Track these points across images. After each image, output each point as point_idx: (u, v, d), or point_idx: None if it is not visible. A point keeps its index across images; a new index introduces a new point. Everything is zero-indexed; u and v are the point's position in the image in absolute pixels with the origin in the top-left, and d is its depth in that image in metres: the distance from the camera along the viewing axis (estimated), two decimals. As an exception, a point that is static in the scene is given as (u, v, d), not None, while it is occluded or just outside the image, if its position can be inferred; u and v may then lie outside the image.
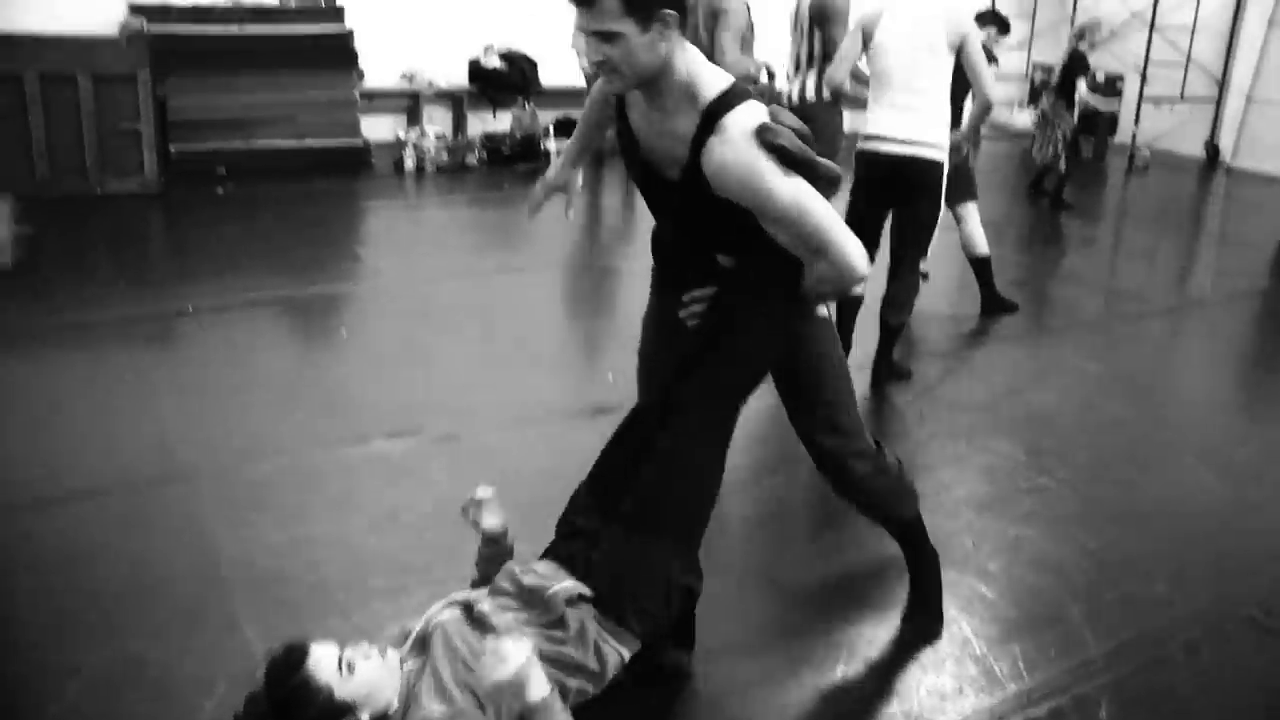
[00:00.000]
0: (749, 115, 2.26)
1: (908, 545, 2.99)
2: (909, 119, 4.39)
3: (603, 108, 2.75)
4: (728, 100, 2.28)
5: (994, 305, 5.98)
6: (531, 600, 2.33)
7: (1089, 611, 3.06)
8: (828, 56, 5.34)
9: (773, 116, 2.29)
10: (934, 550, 3.00)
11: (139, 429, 4.05)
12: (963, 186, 5.65)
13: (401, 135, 9.68)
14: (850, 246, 2.30)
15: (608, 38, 2.21)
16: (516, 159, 9.79)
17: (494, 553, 2.55)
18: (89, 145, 7.91)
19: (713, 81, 2.31)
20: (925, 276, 5.69)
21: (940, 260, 6.30)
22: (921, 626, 2.96)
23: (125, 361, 4.79)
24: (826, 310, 2.65)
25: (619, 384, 4.67)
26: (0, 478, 3.66)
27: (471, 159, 9.60)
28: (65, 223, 7.09)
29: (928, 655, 2.86)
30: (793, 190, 2.25)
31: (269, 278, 6.05)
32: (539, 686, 2.08)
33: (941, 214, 4.49)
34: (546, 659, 2.23)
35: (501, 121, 10.27)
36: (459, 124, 10.20)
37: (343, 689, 2.15)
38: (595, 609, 2.30)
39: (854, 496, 2.83)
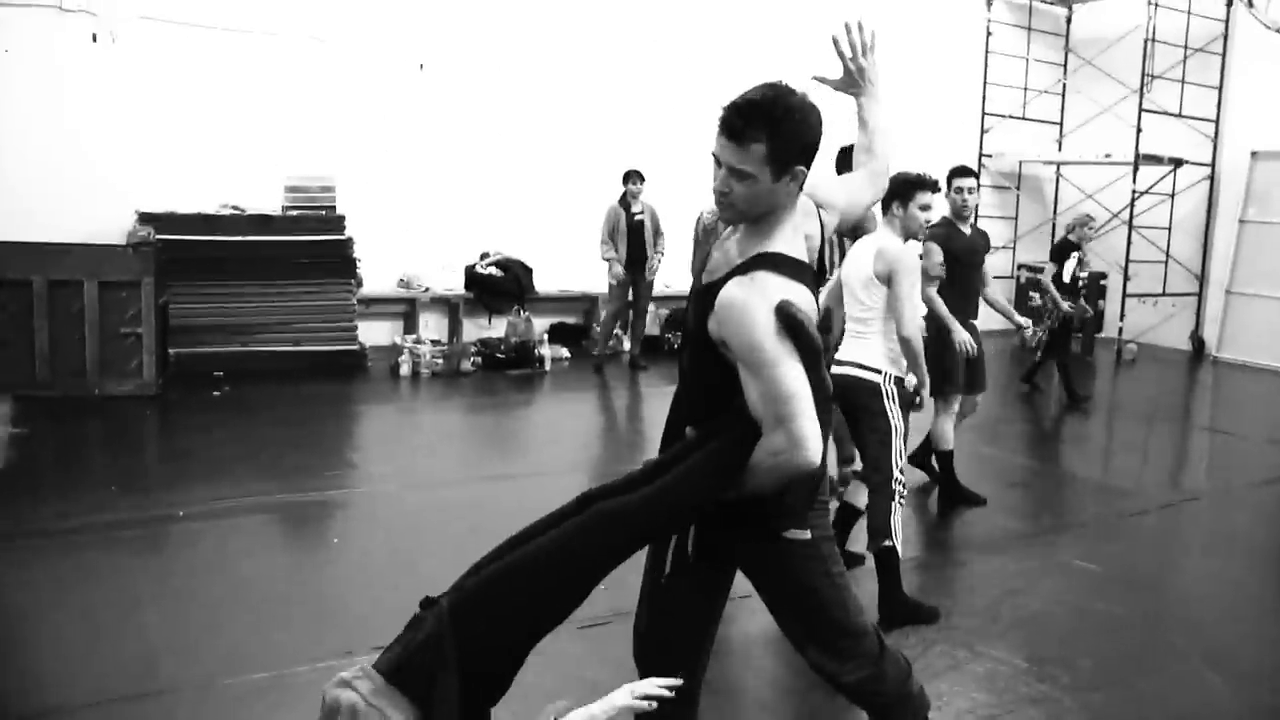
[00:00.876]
0: (782, 284, 2.36)
1: None
2: (853, 344, 4.63)
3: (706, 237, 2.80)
4: (776, 262, 2.40)
5: (958, 497, 6.11)
6: None
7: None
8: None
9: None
10: None
11: (120, 640, 3.97)
12: (943, 377, 5.80)
13: (398, 340, 9.86)
14: (810, 428, 2.34)
15: (741, 176, 2.36)
16: (511, 364, 9.92)
17: None
18: (90, 348, 8.05)
19: (784, 245, 2.44)
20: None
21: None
22: None
23: (111, 568, 4.73)
24: (809, 534, 2.60)
25: (609, 596, 4.61)
26: None
27: (466, 364, 9.73)
28: (61, 424, 7.13)
29: None
30: (779, 352, 2.32)
31: (261, 483, 6.04)
32: None
33: (897, 431, 4.49)
34: None
35: (497, 327, 10.47)
36: (454, 330, 10.41)
37: None
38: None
39: (852, 702, 2.78)
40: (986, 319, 6.39)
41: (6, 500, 5.54)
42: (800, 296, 2.38)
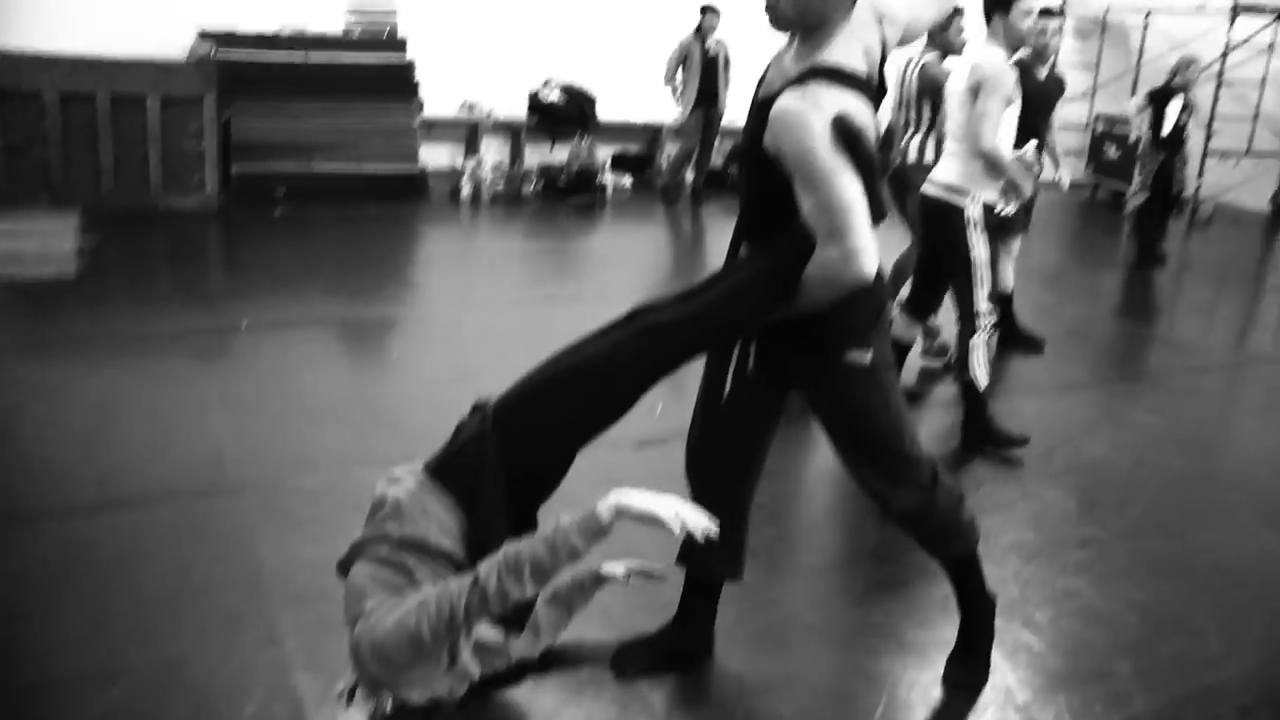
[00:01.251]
0: (838, 96, 2.29)
1: (959, 586, 2.90)
2: (944, 163, 4.57)
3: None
4: (833, 74, 2.31)
5: (1018, 340, 6.09)
6: None
7: (1137, 667, 2.99)
8: (933, 125, 5.62)
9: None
10: (990, 597, 2.91)
11: (191, 440, 4.10)
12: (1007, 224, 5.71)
13: (459, 164, 9.80)
14: (865, 241, 2.30)
15: None
16: (572, 192, 9.87)
17: None
18: (153, 163, 8.09)
19: (841, 56, 2.35)
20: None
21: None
22: (967, 673, 2.89)
23: (180, 373, 4.85)
24: (869, 357, 2.57)
25: (666, 417, 4.66)
26: (55, 481, 3.72)
27: (527, 190, 9.69)
28: (127, 236, 7.22)
29: (969, 703, 2.80)
30: (834, 163, 2.27)
31: (322, 298, 6.12)
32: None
33: (978, 262, 4.43)
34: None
35: (559, 154, 10.36)
36: (516, 155, 10.31)
37: None
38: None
39: (899, 527, 2.79)
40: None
41: (78, 307, 5.67)
42: (857, 109, 2.31)
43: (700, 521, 2.28)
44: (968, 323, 4.46)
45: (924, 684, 2.87)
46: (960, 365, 4.51)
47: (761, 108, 2.38)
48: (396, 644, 2.24)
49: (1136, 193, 8.78)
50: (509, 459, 2.49)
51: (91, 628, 2.88)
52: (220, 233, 7.83)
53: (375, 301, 6.21)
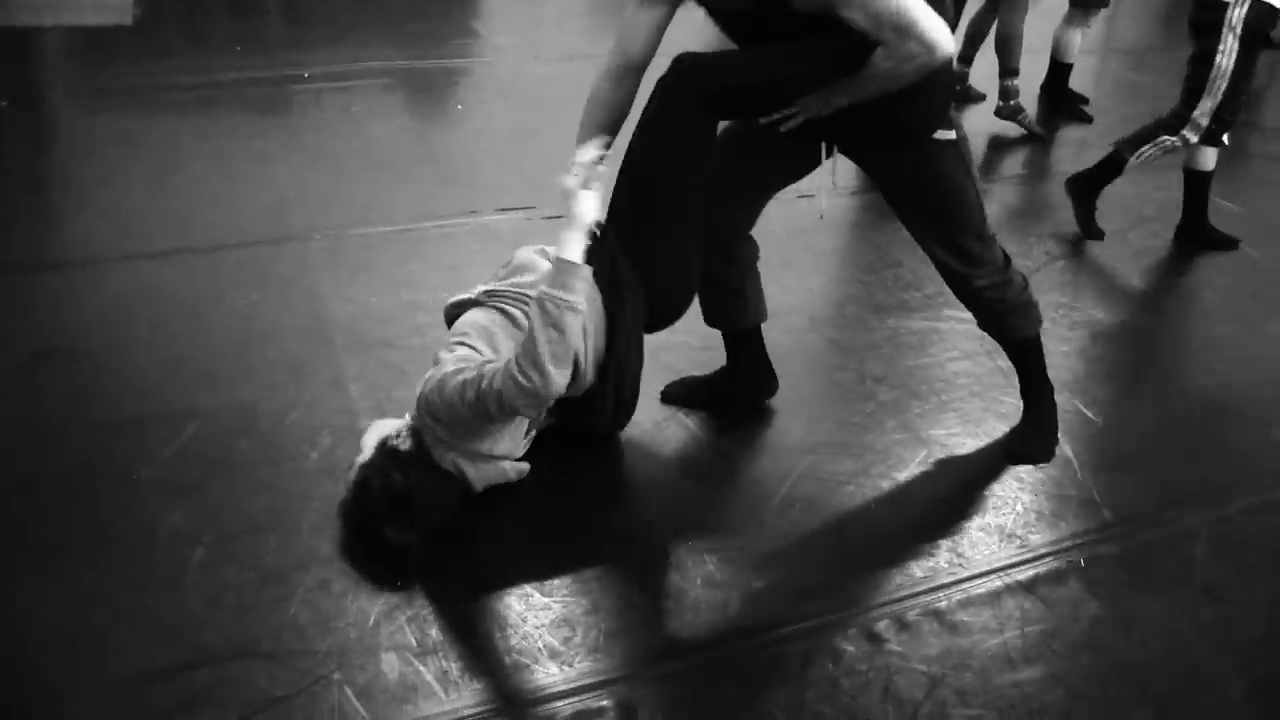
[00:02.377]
0: None
1: (1022, 367, 2.90)
2: None
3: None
4: None
5: (1066, 109, 5.86)
6: None
7: (1197, 450, 2.96)
8: None
9: None
10: (1049, 382, 2.90)
11: (255, 190, 4.09)
12: None
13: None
14: (932, 22, 2.16)
15: None
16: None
17: None
18: (212, -96, 7.77)
19: None
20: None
21: (1078, 86, 5.98)
22: (1031, 449, 2.89)
23: (242, 124, 4.80)
24: (955, 134, 2.50)
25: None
26: (123, 228, 3.75)
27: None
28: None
29: (1027, 473, 2.80)
30: None
31: (384, 49, 5.97)
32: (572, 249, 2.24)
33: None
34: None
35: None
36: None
37: (368, 445, 2.39)
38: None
39: (971, 308, 2.76)
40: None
41: (139, 57, 5.59)
42: None
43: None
44: (1173, 120, 4.22)
45: (979, 453, 2.88)
46: (1131, 144, 4.30)
47: None
48: (446, 405, 2.27)
49: None
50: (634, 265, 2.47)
51: (162, 371, 2.95)
52: (279, -21, 7.61)
53: (438, 50, 6.05)
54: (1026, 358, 2.88)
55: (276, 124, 4.88)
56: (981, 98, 5.84)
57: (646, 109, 2.45)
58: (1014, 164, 5.31)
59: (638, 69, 2.50)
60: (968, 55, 5.82)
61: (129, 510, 2.44)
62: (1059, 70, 5.85)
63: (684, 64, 2.38)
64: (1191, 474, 2.86)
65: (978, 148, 5.44)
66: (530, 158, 4.49)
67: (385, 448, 2.33)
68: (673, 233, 2.52)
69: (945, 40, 2.19)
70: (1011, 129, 5.54)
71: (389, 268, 3.56)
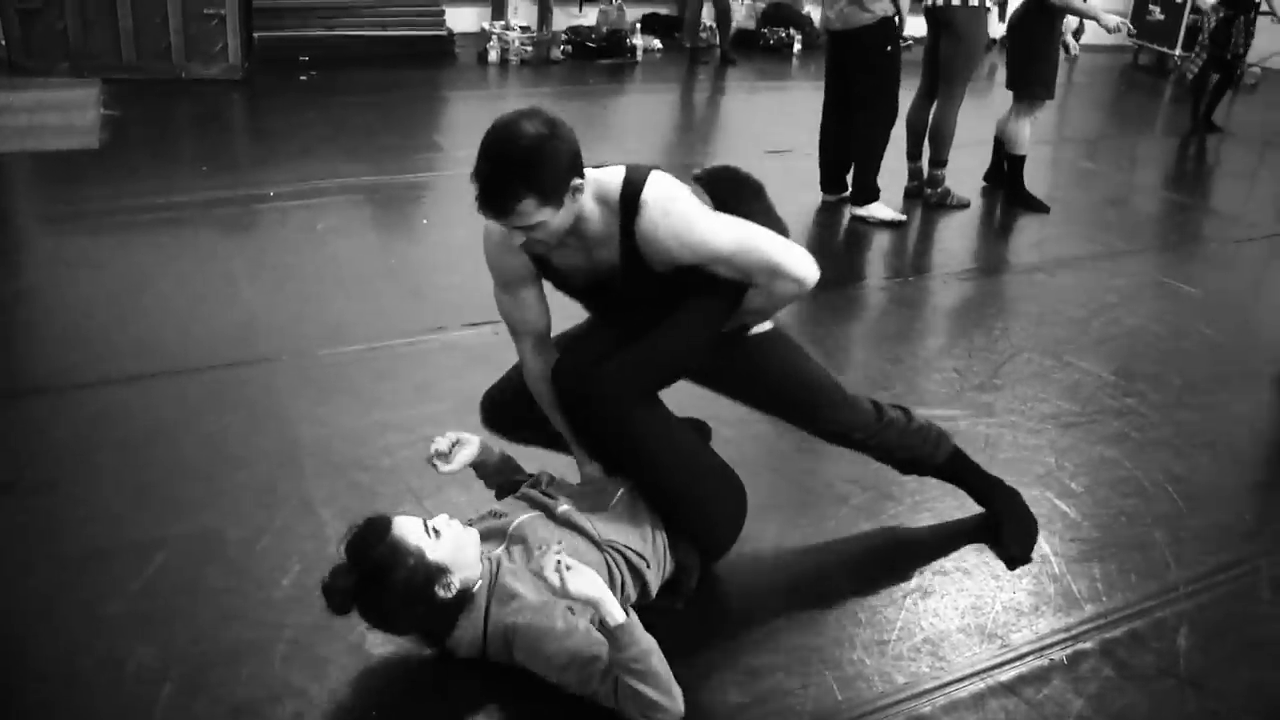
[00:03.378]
0: (659, 183, 2.32)
1: (958, 482, 2.97)
2: None
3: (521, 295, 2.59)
4: (632, 182, 2.31)
5: (1023, 202, 6.04)
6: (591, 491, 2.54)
7: (1173, 537, 2.98)
8: None
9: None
10: (992, 477, 2.96)
11: (221, 311, 4.09)
12: (1035, 78, 5.80)
13: (486, 26, 9.57)
14: (796, 255, 2.35)
15: (530, 229, 2.24)
16: (602, 54, 9.64)
17: (493, 468, 2.68)
18: (174, 30, 7.89)
19: (610, 178, 2.34)
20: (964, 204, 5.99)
21: (1033, 175, 6.12)
22: (1020, 540, 2.89)
23: (208, 244, 4.82)
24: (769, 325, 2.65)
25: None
26: (90, 352, 3.72)
27: (556, 53, 9.47)
28: (150, 106, 7.12)
29: (1004, 570, 2.80)
30: (726, 227, 2.32)
31: (350, 165, 6.04)
32: (616, 614, 2.09)
33: None
34: (620, 555, 2.35)
35: (588, 16, 10.09)
36: (544, 17, 10.03)
37: (433, 551, 2.18)
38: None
39: (876, 458, 2.87)
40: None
41: (104, 178, 5.62)
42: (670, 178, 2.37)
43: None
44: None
45: (958, 552, 2.87)
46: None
47: (627, 259, 2.37)
48: (531, 651, 2.20)
49: (1196, 55, 8.43)
50: None
51: (130, 499, 2.91)
52: (244, 100, 7.70)
53: (403, 166, 6.12)
54: (956, 475, 2.95)
55: (242, 243, 4.90)
56: (966, 204, 5.97)
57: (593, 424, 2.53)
58: (970, 257, 5.40)
59: (546, 334, 2.62)
60: (915, 152, 5.98)
61: (95, 646, 2.38)
62: (1014, 163, 5.99)
63: (593, 381, 2.40)
64: (1169, 562, 2.86)
65: (939, 242, 5.55)
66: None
67: (432, 576, 2.20)
68: (692, 482, 2.56)
69: (812, 270, 2.38)
70: (970, 224, 5.67)
71: (357, 387, 3.55)
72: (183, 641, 2.40)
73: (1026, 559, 2.84)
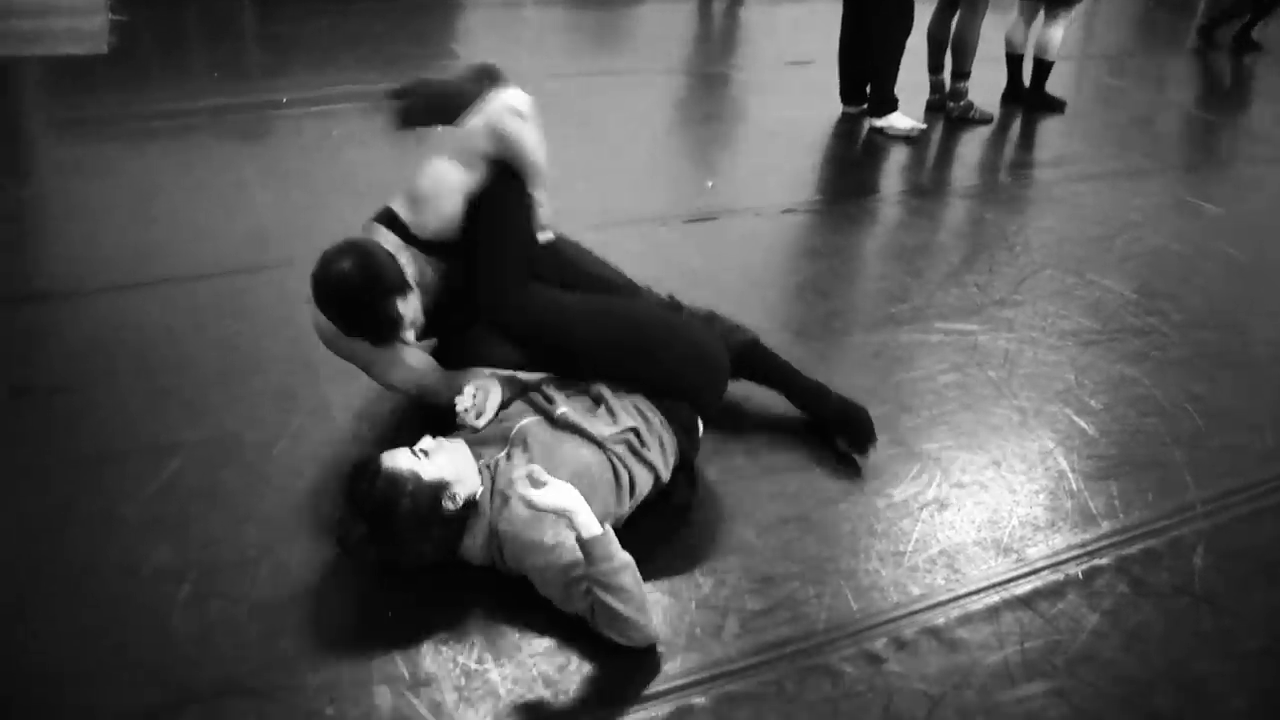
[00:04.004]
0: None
1: (764, 378, 2.99)
2: None
3: None
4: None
5: (1044, 104, 6.07)
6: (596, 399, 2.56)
7: (1191, 458, 2.96)
8: None
9: None
10: (802, 377, 2.95)
11: (234, 217, 4.05)
12: None
13: (501, -69, 9.36)
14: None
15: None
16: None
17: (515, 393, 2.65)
18: (184, -70, 7.75)
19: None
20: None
21: (1056, 90, 6.01)
22: (858, 435, 2.85)
23: (220, 151, 4.76)
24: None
25: (718, 191, 4.57)
26: (101, 259, 3.70)
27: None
28: (159, 11, 6.99)
29: (1021, 485, 2.79)
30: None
31: (363, 73, 5.94)
32: (590, 526, 2.10)
33: None
34: (623, 446, 2.42)
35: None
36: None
37: (428, 471, 2.17)
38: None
39: None
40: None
41: (114, 84, 5.55)
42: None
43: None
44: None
45: (976, 466, 2.86)
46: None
47: None
48: (519, 557, 2.23)
49: None
50: None
51: (145, 404, 2.91)
52: (256, 6, 7.56)
53: (417, 73, 6.01)
54: (756, 365, 2.92)
55: (255, 151, 4.84)
56: (990, 119, 5.89)
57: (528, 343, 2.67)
58: (990, 172, 5.31)
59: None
60: (937, 64, 5.87)
61: (112, 549, 2.39)
62: (1043, 68, 5.92)
63: (493, 311, 2.62)
64: (1187, 481, 2.84)
65: (961, 157, 5.45)
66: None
67: (435, 494, 2.22)
68: (636, 334, 2.63)
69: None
70: (992, 139, 5.58)
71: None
72: (199, 543, 2.41)
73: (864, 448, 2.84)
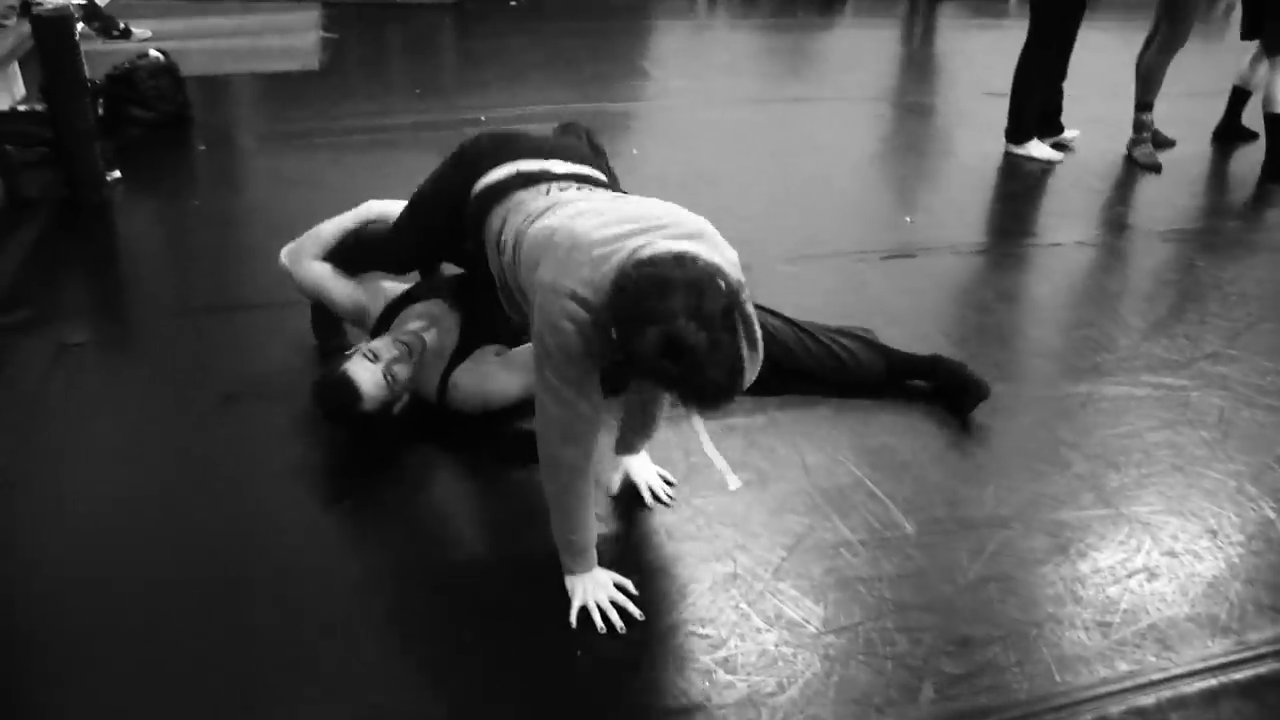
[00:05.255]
0: None
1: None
2: None
3: None
4: None
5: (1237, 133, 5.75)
6: None
7: None
8: None
9: None
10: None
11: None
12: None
13: (696, -46, 9.44)
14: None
15: None
16: (812, -14, 9.39)
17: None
18: (392, -47, 8.06)
19: None
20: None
21: None
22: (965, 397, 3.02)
23: (420, 164, 4.82)
24: None
25: (916, 227, 4.46)
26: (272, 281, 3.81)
27: (766, -18, 9.28)
28: (367, 30, 7.29)
29: (1240, 558, 2.60)
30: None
31: (558, 91, 6.05)
32: None
33: None
34: None
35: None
36: (753, -54, 9.82)
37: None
38: None
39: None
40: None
41: (322, 98, 5.80)
42: None
43: None
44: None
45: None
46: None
47: None
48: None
49: None
50: None
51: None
52: (456, 25, 7.81)
53: (612, 94, 6.10)
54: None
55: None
56: (1170, 142, 5.61)
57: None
58: (1192, 214, 5.03)
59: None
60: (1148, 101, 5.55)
61: (311, 556, 2.46)
62: (1272, 126, 5.47)
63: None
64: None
65: (1167, 196, 5.16)
66: (704, 202, 4.41)
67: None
68: None
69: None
70: (1193, 177, 5.32)
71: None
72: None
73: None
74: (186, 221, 4.42)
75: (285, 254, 3.17)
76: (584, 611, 2.26)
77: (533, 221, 2.26)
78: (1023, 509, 2.72)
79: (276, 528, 2.56)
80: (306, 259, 3.12)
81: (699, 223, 2.19)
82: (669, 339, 1.78)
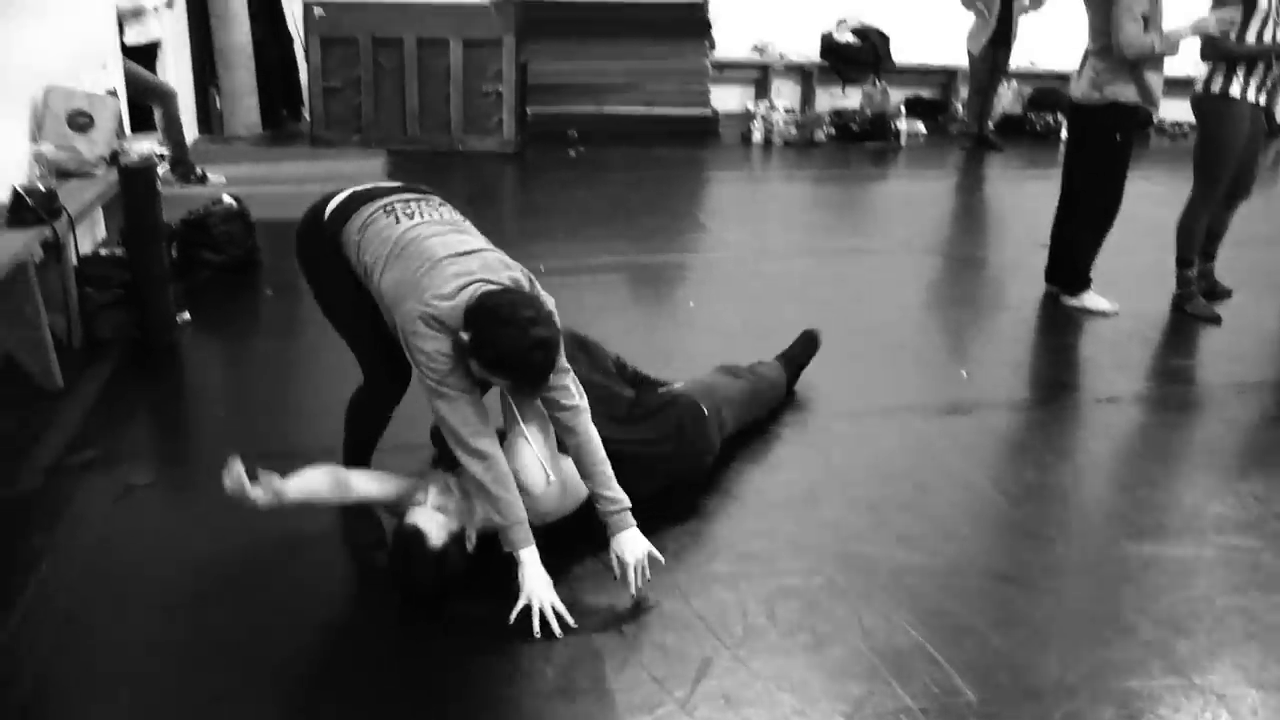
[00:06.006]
0: None
1: None
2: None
3: None
4: None
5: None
6: None
7: None
8: None
9: None
10: None
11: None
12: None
13: (750, 107, 9.69)
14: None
15: None
16: (865, 137, 9.60)
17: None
18: (455, 105, 8.41)
19: None
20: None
21: None
22: None
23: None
24: None
25: (972, 382, 4.45)
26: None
27: (819, 134, 9.49)
28: (430, 176, 7.46)
29: None
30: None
31: (617, 242, 6.18)
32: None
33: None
34: None
35: (851, 98, 10.07)
36: (807, 98, 10.12)
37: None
38: None
39: None
40: None
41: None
42: None
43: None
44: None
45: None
46: None
47: None
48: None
49: None
50: None
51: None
52: (516, 173, 8.05)
53: (669, 246, 6.21)
54: None
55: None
56: (1228, 293, 5.60)
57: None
58: (1251, 368, 4.97)
59: None
60: (1203, 252, 5.56)
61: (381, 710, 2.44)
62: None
63: None
64: None
65: (1228, 348, 5.11)
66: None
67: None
68: None
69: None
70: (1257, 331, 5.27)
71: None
72: None
73: None
74: (253, 365, 4.52)
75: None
76: (526, 610, 2.63)
77: (384, 269, 2.76)
78: (1089, 677, 2.65)
79: (340, 680, 2.56)
80: (348, 480, 3.01)
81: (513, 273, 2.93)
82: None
